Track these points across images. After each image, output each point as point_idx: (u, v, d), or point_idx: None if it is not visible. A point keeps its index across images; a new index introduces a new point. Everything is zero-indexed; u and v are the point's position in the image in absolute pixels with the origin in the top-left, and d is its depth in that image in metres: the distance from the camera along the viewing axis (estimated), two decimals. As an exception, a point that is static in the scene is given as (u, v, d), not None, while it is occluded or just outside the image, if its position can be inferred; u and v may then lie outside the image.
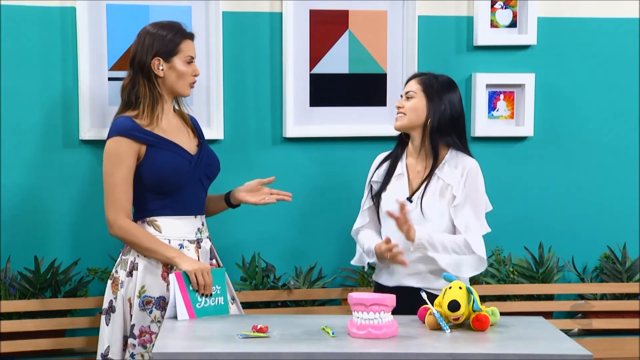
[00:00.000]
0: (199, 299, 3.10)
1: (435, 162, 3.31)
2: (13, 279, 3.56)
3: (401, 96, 3.39)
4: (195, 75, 3.28)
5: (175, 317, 3.05)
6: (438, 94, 3.31)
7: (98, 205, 3.24)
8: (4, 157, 3.58)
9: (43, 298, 3.58)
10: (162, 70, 3.23)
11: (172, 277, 3.07)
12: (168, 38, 3.22)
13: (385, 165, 3.42)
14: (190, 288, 3.09)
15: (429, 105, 3.30)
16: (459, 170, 3.29)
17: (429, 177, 3.30)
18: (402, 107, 3.34)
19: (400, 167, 3.38)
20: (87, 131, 3.62)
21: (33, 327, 3.53)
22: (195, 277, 3.08)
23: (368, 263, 3.42)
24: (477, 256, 3.26)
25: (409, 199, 3.31)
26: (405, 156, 3.40)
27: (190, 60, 3.25)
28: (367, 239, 3.39)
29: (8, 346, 3.49)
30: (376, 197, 3.40)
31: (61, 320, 3.57)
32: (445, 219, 3.29)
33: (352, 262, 3.47)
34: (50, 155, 3.63)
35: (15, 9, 3.56)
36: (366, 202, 3.44)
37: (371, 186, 3.44)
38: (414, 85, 3.34)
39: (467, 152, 3.35)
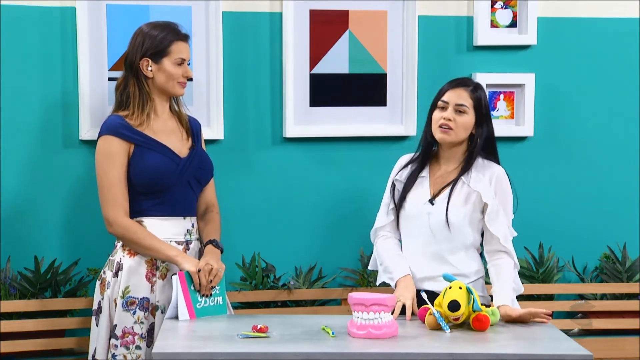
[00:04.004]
0: (199, 299, 3.10)
1: (467, 169, 3.23)
2: (13, 279, 3.55)
3: (444, 102, 3.21)
4: (187, 77, 3.26)
5: (176, 317, 3.06)
6: (487, 113, 3.24)
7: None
8: (3, 157, 3.58)
9: (43, 298, 3.57)
10: (151, 71, 3.22)
11: (174, 277, 3.07)
12: (159, 38, 3.20)
13: (410, 168, 3.32)
14: (192, 288, 3.09)
15: (477, 123, 3.22)
16: (487, 178, 3.21)
17: (454, 182, 3.23)
18: (452, 121, 3.19)
19: (425, 171, 3.30)
20: (87, 131, 3.61)
21: (33, 327, 3.53)
22: (198, 276, 3.09)
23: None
24: (515, 263, 3.25)
25: (431, 202, 3.24)
26: (429, 161, 3.32)
27: (180, 62, 3.23)
28: (388, 257, 3.29)
29: (8, 346, 3.49)
30: (400, 200, 3.30)
31: (61, 320, 3.56)
32: (467, 224, 3.21)
33: (370, 267, 3.43)
34: (50, 155, 3.62)
35: (15, 9, 3.55)
36: (391, 202, 3.34)
37: (394, 185, 3.35)
38: (467, 100, 3.20)
39: (497, 160, 3.29)
